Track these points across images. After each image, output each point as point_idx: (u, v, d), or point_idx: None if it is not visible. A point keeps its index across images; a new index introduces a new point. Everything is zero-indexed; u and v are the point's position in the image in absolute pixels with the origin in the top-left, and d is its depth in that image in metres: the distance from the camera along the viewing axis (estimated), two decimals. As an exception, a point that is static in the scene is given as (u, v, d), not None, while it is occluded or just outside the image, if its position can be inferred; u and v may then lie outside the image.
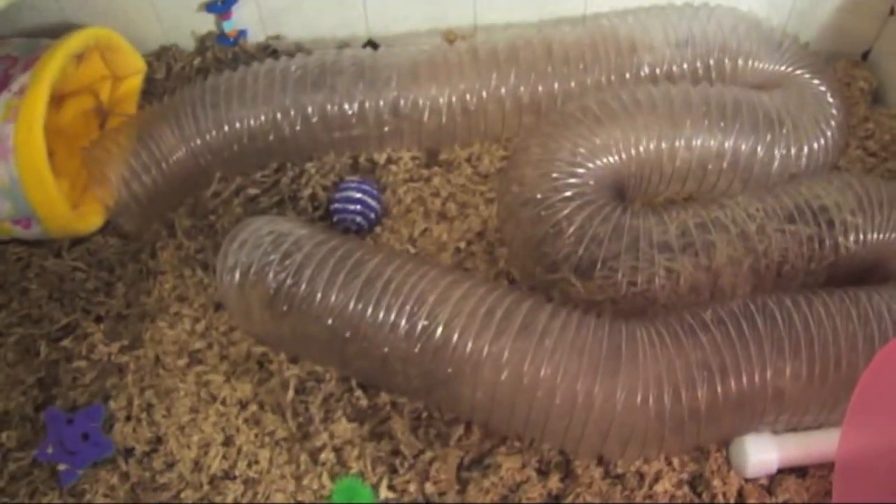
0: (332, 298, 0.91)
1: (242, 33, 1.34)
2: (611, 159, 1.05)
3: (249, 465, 0.93)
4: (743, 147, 1.08)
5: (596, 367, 0.85)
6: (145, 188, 1.11)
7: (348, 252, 0.94)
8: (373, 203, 1.11)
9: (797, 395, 0.87)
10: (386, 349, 0.90)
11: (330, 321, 0.91)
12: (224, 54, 1.33)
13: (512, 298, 0.90)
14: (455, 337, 0.87)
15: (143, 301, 1.08)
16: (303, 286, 0.92)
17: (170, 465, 0.95)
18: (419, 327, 0.88)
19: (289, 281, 0.92)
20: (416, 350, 0.88)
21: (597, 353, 0.86)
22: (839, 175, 1.06)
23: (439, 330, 0.88)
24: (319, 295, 0.91)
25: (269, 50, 1.34)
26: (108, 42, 1.22)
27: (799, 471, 0.93)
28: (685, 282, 0.96)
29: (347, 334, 0.91)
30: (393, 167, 1.19)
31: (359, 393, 0.97)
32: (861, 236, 0.99)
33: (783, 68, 1.18)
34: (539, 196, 1.01)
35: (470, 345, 0.87)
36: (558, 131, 1.06)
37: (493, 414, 0.90)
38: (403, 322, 0.89)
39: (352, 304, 0.90)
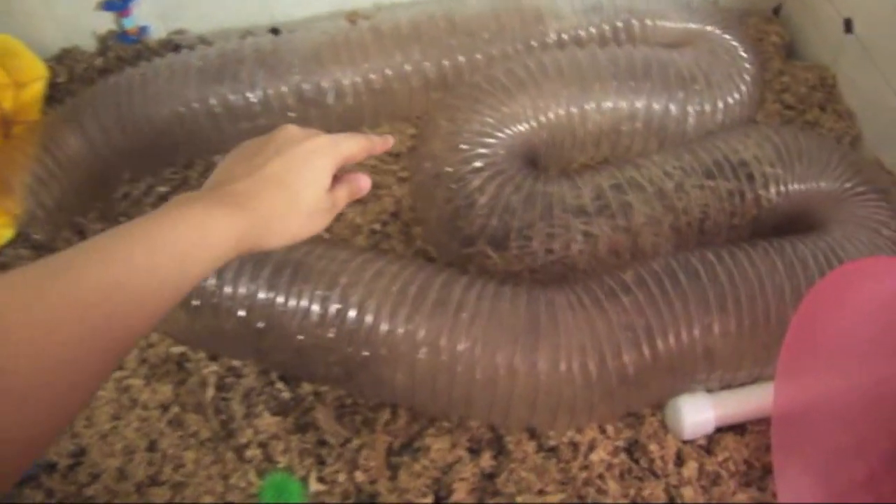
0: (242, 290, 0.88)
1: (144, 30, 1.31)
2: (520, 128, 1.03)
3: (175, 469, 0.91)
4: (655, 106, 1.07)
5: (515, 337, 0.83)
6: (52, 195, 1.08)
7: None
8: None
9: (728, 351, 0.86)
10: (300, 337, 0.87)
11: (241, 313, 0.88)
12: (126, 53, 1.30)
13: (425, 274, 0.88)
14: (369, 318, 0.85)
15: (59, 311, 1.04)
16: (211, 279, 0.89)
17: (95, 477, 0.91)
18: (332, 311, 0.86)
19: None
20: (331, 335, 0.86)
21: (515, 323, 0.84)
22: (757, 128, 1.06)
23: (352, 312, 0.85)
24: (229, 287, 0.88)
25: (173, 45, 1.31)
26: (5, 48, 1.18)
27: (737, 428, 0.92)
28: (603, 245, 0.95)
29: (261, 325, 0.88)
30: None
31: (280, 385, 0.95)
32: (782, 188, 0.99)
33: (693, 26, 1.18)
34: (449, 169, 0.99)
35: (385, 325, 0.85)
36: (465, 103, 1.05)
37: (416, 394, 0.88)
38: (316, 307, 0.86)
39: (261, 294, 0.88)
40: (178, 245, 0.54)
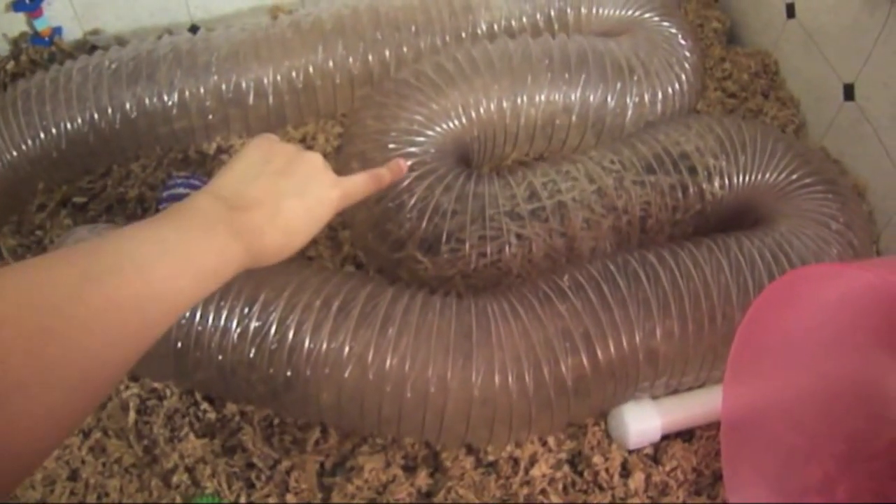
0: None
1: (57, 31, 1.26)
2: (451, 124, 1.01)
3: (99, 498, 0.87)
4: (591, 98, 1.05)
5: (446, 350, 0.80)
6: (-37, 210, 1.03)
7: None
8: None
9: (672, 356, 0.84)
10: (220, 357, 0.83)
11: None
12: (40, 56, 1.25)
13: (350, 286, 0.85)
14: (290, 335, 0.81)
15: (-29, 333, 0.99)
16: None
17: (14, 510, 0.88)
18: (251, 329, 0.82)
19: None
20: (251, 355, 0.82)
21: (446, 335, 0.81)
22: (698, 119, 1.03)
23: (272, 330, 0.82)
24: None
25: (88, 46, 1.26)
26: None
27: (685, 434, 0.90)
28: (538, 249, 0.92)
29: (179, 345, 0.84)
30: (224, 157, 1.12)
31: (205, 406, 0.90)
32: (726, 180, 0.96)
33: (630, 13, 1.15)
34: None
35: (307, 342, 0.81)
36: (392, 100, 1.01)
37: (344, 414, 0.84)
38: (234, 325, 0.82)
39: None
40: (202, 271, 0.60)
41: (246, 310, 0.83)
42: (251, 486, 0.86)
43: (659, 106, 1.07)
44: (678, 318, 0.83)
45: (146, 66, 1.08)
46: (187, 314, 0.83)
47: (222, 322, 0.83)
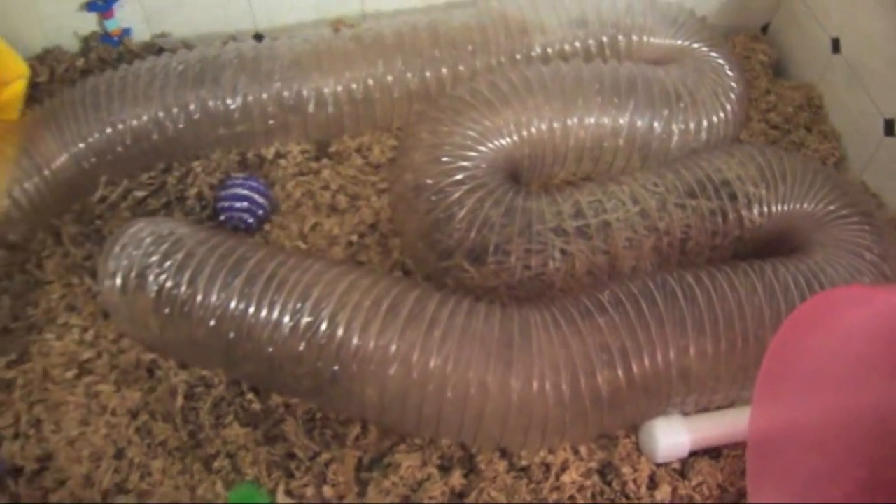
0: (213, 298, 0.87)
1: (126, 32, 1.29)
2: (502, 141, 1.03)
3: (142, 478, 0.89)
4: (639, 123, 1.06)
5: (488, 355, 0.82)
6: (28, 196, 1.06)
7: (229, 250, 0.90)
8: (260, 199, 1.07)
9: (704, 374, 0.86)
10: (271, 349, 0.86)
11: (212, 323, 0.87)
12: (108, 55, 1.28)
13: (399, 289, 0.87)
14: (340, 332, 0.84)
15: (30, 313, 1.02)
16: (183, 287, 0.88)
17: (61, 483, 0.90)
18: (303, 324, 0.85)
19: (169, 283, 0.88)
20: (301, 348, 0.85)
21: (488, 340, 0.83)
22: (740, 148, 1.05)
23: (323, 325, 0.84)
24: (200, 296, 0.87)
25: (156, 48, 1.29)
26: (-13, 46, 1.17)
27: (712, 452, 0.91)
28: (581, 265, 0.94)
29: (231, 335, 0.87)
30: (282, 161, 1.15)
31: (250, 396, 0.93)
32: (765, 208, 0.98)
33: (680, 42, 1.17)
34: (429, 181, 0.98)
35: (355, 339, 0.83)
36: (447, 115, 1.04)
37: (385, 411, 0.86)
38: (287, 319, 0.85)
39: (233, 304, 0.86)
40: None
41: (298, 305, 0.85)
42: (290, 475, 0.88)
43: (704, 134, 1.09)
44: (712, 338, 0.85)
45: (212, 69, 1.11)
46: (241, 306, 0.86)
47: (275, 315, 0.85)
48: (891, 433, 0.82)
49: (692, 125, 1.08)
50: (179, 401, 0.93)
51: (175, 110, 1.10)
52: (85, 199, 1.12)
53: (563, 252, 0.93)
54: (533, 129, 1.04)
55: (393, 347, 0.83)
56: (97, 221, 1.10)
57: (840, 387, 0.82)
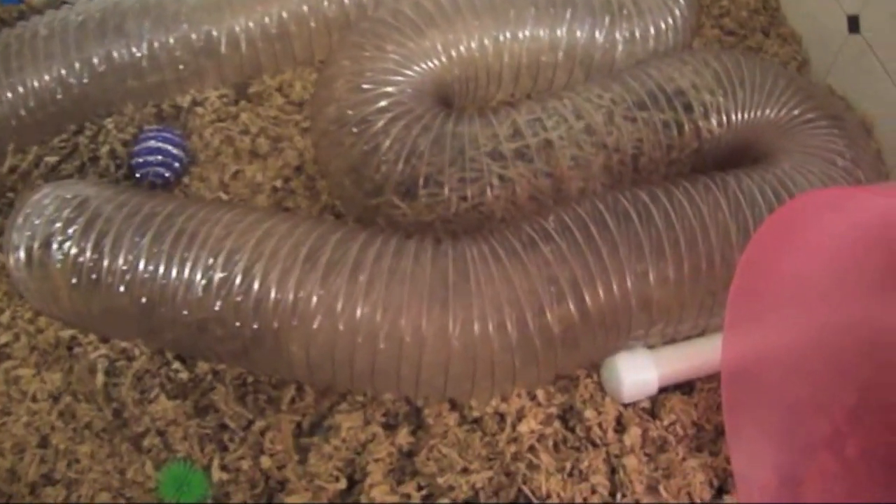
0: (121, 262, 0.82)
1: (27, -11, 1.23)
2: (429, 64, 0.99)
3: (69, 466, 0.85)
4: (579, 34, 1.03)
5: (420, 297, 0.77)
6: (-67, 175, 1.02)
7: (136, 207, 0.86)
8: (175, 151, 1.03)
9: (667, 302, 0.81)
10: (186, 312, 0.81)
11: (122, 288, 0.82)
12: (9, 14, 1.24)
13: (318, 233, 0.82)
14: (256, 285, 0.79)
15: (-57, 298, 0.98)
16: (88, 253, 0.83)
17: (-15, 479, 0.86)
18: (216, 280, 0.80)
19: (74, 250, 0.83)
20: (217, 307, 0.80)
21: (420, 281, 0.78)
22: (694, 54, 1.00)
23: (238, 280, 0.79)
24: (107, 260, 0.82)
25: (59, 2, 1.22)
26: None
27: (684, 387, 0.87)
28: (523, 190, 0.89)
29: (144, 301, 0.82)
30: (199, 109, 1.11)
31: (176, 365, 0.89)
32: (724, 117, 0.94)
33: (621, -54, 1.12)
34: (351, 112, 0.94)
35: (274, 292, 0.78)
36: (368, 40, 0.99)
37: (315, 369, 0.82)
38: (199, 277, 0.80)
39: (141, 266, 0.81)
40: None
41: (210, 260, 0.80)
42: (224, 448, 0.85)
43: (651, 42, 1.06)
44: (673, 261, 0.81)
45: (113, 18, 1.07)
46: (150, 266, 0.81)
47: (186, 274, 0.80)
48: (879, 353, 0.79)
49: (638, 33, 1.05)
50: (100, 378, 0.89)
51: (78, 66, 1.05)
52: (-6, 171, 1.07)
53: (501, 178, 0.89)
54: (462, 49, 1.00)
55: (314, 298, 0.78)
56: (9, 194, 1.05)
57: (821, 302, 0.79)
